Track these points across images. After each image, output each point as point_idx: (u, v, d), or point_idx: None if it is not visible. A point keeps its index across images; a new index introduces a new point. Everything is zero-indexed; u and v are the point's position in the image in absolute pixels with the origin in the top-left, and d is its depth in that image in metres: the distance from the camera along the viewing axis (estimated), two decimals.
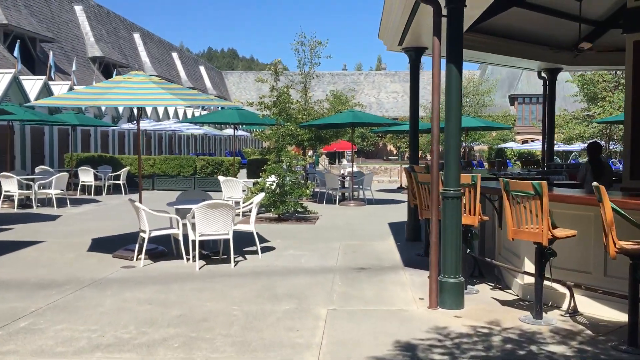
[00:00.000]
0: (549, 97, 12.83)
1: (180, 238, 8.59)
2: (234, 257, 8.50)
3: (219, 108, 26.30)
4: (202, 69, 62.13)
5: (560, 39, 11.52)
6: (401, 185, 24.47)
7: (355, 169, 31.82)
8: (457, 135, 6.01)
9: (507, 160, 41.05)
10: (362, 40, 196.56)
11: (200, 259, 8.54)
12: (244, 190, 14.22)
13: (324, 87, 60.01)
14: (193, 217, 8.14)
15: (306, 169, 16.29)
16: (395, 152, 59.44)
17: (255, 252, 9.07)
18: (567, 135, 26.01)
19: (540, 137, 55.45)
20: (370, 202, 17.32)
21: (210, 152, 45.71)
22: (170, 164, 21.33)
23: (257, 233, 9.22)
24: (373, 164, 46.21)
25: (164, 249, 9.20)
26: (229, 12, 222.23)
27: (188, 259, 8.54)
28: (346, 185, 17.82)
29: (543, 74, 13.05)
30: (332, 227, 12.31)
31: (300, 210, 13.30)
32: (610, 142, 25.15)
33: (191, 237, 8.34)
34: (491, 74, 51.42)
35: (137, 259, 8.60)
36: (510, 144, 45.69)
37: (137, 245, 8.69)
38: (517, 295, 6.53)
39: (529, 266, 6.32)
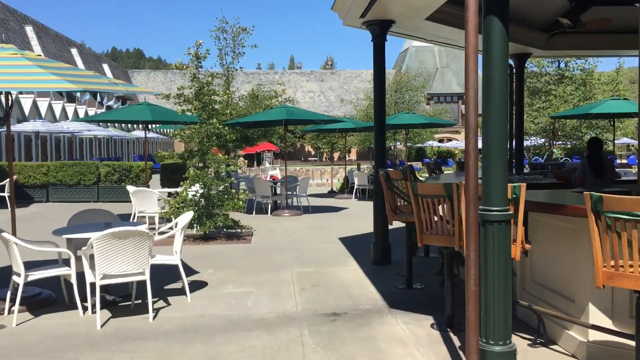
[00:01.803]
0: (517, 87, 11.13)
1: (74, 280, 6.04)
2: (153, 304, 6.07)
3: (119, 104, 23.23)
4: (105, 67, 57.50)
5: (535, 17, 9.86)
6: (332, 189, 22.50)
7: (276, 172, 29.62)
8: (503, 126, 3.96)
9: (439, 160, 40.21)
10: (274, 39, 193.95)
11: (104, 307, 6.07)
12: (159, 199, 11.64)
13: (239, 85, 57.22)
14: (92, 248, 5.64)
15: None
16: (314, 153, 57.69)
17: (182, 292, 6.66)
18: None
19: (455, 137, 55.78)
20: (307, 210, 15.16)
21: (117, 157, 41.93)
22: (68, 171, 18.19)
23: (182, 260, 6.81)
24: (293, 166, 44.28)
25: (50, 293, 6.59)
26: (134, 10, 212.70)
27: (85, 309, 6.02)
28: (278, 191, 15.58)
29: (509, 61, 11.38)
30: (273, 246, 10.03)
31: (230, 225, 10.90)
32: (554, 140, 24.37)
33: (89, 278, 5.83)
34: (406, 72, 50.56)
35: (9, 312, 5.99)
36: (429, 142, 44.92)
37: (9, 292, 6.06)
38: (576, 357, 4.56)
39: (598, 317, 4.37)
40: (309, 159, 56.34)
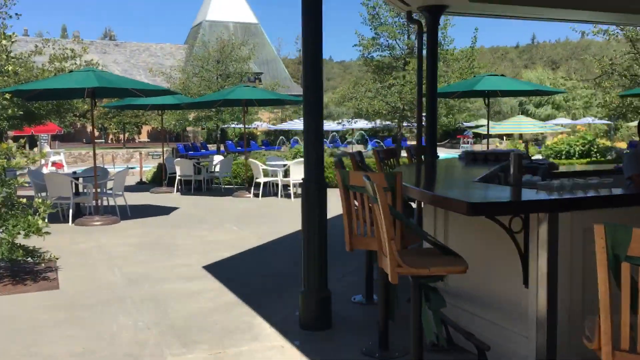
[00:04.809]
0: (429, 49, 8.37)
1: None
2: None
3: None
4: None
5: None
6: (142, 179, 18.18)
7: (60, 158, 23.98)
8: None
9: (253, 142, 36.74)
10: (44, 5, 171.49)
11: None
12: None
13: None
14: None
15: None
16: (98, 134, 50.62)
17: None
18: (368, 111, 22.42)
19: (262, 121, 52.70)
20: (125, 214, 11.04)
21: None
22: None
23: None
24: (76, 149, 38.03)
25: None
26: None
27: None
28: (81, 190, 11.16)
29: (416, 16, 8.67)
30: (103, 294, 6.05)
31: (18, 256, 6.56)
32: (404, 122, 22.50)
33: None
34: (204, 46, 45.49)
35: None
36: (234, 124, 41.42)
37: None
38: None
39: None
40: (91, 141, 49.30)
